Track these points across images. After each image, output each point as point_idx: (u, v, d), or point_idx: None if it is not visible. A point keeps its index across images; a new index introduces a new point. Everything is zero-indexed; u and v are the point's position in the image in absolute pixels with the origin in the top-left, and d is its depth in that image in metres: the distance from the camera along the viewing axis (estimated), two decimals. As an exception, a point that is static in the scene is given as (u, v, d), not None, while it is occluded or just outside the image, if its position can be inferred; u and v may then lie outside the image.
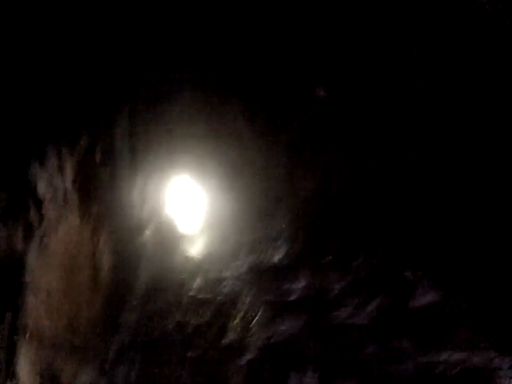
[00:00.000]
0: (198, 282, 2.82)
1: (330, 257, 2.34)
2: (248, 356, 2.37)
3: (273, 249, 2.98)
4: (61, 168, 2.55)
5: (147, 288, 2.84)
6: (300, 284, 2.33)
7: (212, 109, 3.28)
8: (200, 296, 2.79)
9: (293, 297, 2.33)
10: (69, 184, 2.49)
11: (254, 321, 2.40)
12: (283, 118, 3.44)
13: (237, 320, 2.49)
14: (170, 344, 2.50)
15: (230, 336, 2.50)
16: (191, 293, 2.79)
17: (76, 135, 2.70)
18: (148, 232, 3.21)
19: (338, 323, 2.04)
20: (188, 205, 3.95)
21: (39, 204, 2.85)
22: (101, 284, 2.56)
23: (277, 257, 2.83)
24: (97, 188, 2.77)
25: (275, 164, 3.47)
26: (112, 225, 2.79)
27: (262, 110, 3.45)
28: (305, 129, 3.25)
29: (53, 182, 2.48)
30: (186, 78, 3.16)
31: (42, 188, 2.68)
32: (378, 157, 2.49)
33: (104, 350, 2.33)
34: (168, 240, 3.33)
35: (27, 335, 2.33)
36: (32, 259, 2.72)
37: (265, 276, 2.61)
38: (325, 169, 3.08)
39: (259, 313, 2.42)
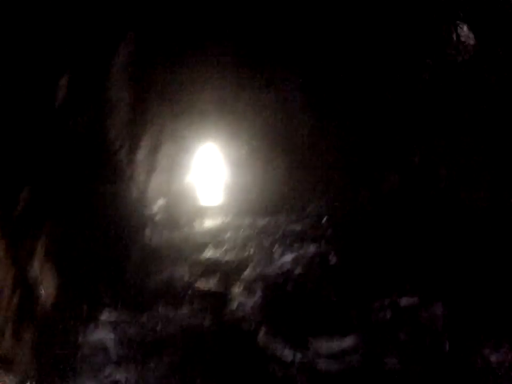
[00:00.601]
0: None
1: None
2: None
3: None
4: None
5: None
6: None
7: (252, 74, 2.66)
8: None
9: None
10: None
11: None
12: (337, 90, 2.87)
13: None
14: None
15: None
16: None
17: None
18: (156, 207, 2.66)
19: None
20: (208, 178, 3.41)
21: None
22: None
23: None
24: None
25: (319, 143, 2.93)
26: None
27: (317, 82, 2.84)
28: (361, 111, 2.69)
29: None
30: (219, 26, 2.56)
31: None
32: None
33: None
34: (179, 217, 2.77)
35: None
36: None
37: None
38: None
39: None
